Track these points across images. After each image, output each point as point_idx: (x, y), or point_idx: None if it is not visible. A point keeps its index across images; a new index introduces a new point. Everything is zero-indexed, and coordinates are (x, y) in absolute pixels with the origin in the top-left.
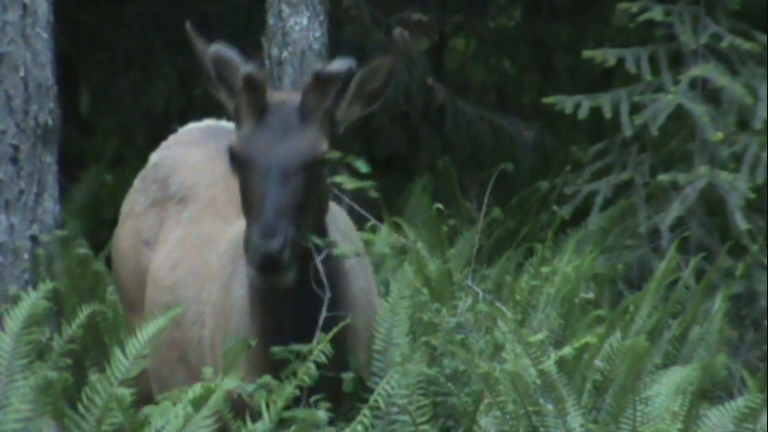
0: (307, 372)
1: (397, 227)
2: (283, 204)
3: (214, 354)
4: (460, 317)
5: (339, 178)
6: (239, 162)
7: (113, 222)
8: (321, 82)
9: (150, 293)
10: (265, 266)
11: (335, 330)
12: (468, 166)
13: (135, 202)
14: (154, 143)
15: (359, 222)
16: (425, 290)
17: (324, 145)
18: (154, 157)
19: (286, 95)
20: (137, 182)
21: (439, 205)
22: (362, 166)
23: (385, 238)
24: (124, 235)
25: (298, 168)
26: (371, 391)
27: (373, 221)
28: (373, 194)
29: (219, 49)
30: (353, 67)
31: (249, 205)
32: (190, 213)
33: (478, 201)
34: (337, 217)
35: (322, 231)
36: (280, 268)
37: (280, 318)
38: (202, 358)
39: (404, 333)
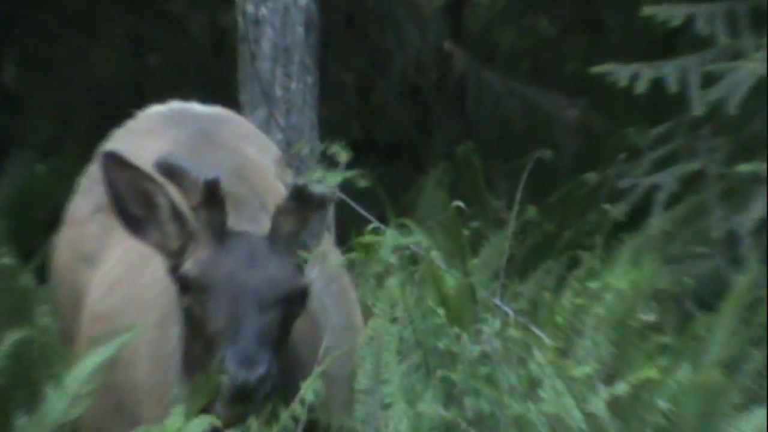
0: (293, 414)
1: (405, 230)
2: (264, 332)
3: (151, 405)
4: (485, 345)
5: (316, 174)
6: (196, 288)
7: (47, 224)
8: (301, 201)
9: (84, 322)
10: (241, 398)
11: (324, 364)
12: (495, 153)
13: (77, 206)
14: (98, 125)
15: (358, 224)
16: (441, 311)
17: (301, 277)
18: (102, 149)
19: (245, 224)
20: (83, 181)
21: (459, 203)
22: (340, 154)
23: (389, 244)
24: (62, 247)
25: (277, 301)
26: None
27: (374, 223)
28: (363, 184)
29: (167, 157)
30: (337, 195)
31: (215, 332)
32: None
33: (507, 197)
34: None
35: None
36: (258, 400)
37: None
38: (138, 409)
39: (393, 365)
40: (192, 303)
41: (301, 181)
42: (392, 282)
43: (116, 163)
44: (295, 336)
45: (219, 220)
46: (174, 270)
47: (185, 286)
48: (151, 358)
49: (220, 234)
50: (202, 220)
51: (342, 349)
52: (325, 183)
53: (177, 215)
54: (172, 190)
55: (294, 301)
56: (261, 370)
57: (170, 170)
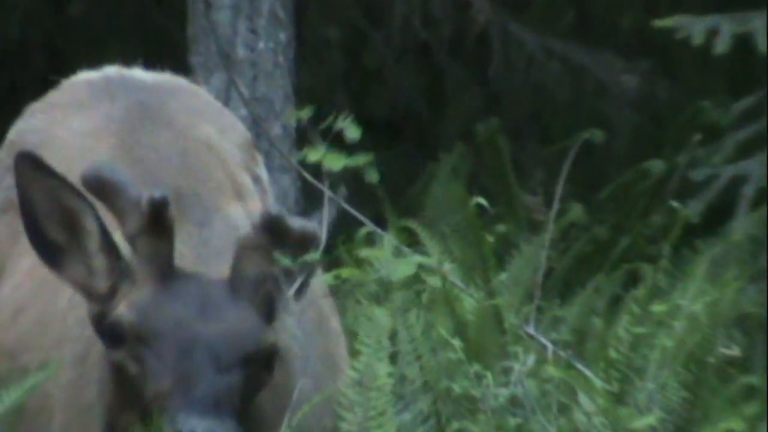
0: None
1: (409, 236)
2: (223, 396)
3: None
4: (515, 388)
5: (314, 154)
6: (132, 339)
7: None
8: (274, 236)
9: None
10: None
11: (297, 417)
12: (528, 133)
13: None
14: (6, 95)
15: (347, 227)
16: (457, 343)
17: (270, 333)
18: (12, 129)
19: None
20: None
21: (481, 200)
22: (351, 131)
23: (388, 254)
24: None
25: (237, 361)
26: None
27: (369, 226)
28: (373, 177)
29: (98, 168)
30: (318, 234)
31: (157, 394)
32: None
33: (545, 193)
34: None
35: None
36: None
37: None
38: None
39: (389, 416)
40: (125, 359)
41: (275, 210)
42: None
43: (34, 168)
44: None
45: (164, 253)
46: (100, 318)
47: (117, 336)
48: (68, 407)
49: (165, 271)
50: (141, 252)
51: (318, 396)
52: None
53: (108, 245)
54: (105, 212)
55: (258, 363)
56: (226, 426)
57: (102, 185)
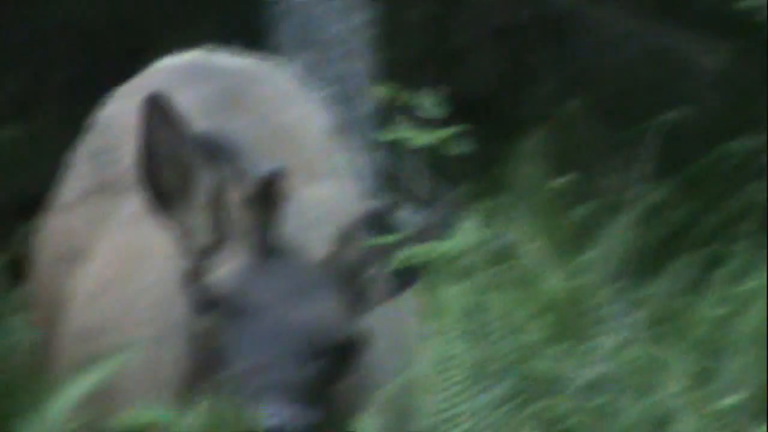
0: None
1: (491, 216)
2: (305, 381)
3: None
4: (599, 368)
5: (397, 132)
6: (224, 310)
7: (18, 208)
8: (377, 230)
9: (61, 338)
10: None
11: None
12: (611, 113)
13: (64, 188)
14: (81, 79)
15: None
16: (540, 323)
17: (358, 325)
18: (99, 113)
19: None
20: (71, 157)
21: (564, 180)
22: (434, 108)
23: (470, 235)
24: (44, 240)
25: (321, 350)
26: None
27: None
28: (462, 148)
29: (217, 132)
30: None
31: (236, 376)
32: (132, 208)
33: (628, 172)
34: None
35: None
36: None
37: None
38: None
39: (459, 398)
40: (210, 329)
41: (380, 203)
42: (456, 288)
43: (161, 111)
44: None
45: (268, 228)
46: (194, 275)
47: (207, 303)
48: (141, 389)
49: (266, 245)
50: (245, 222)
51: (399, 379)
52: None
53: (216, 205)
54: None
55: (343, 353)
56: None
57: (217, 148)
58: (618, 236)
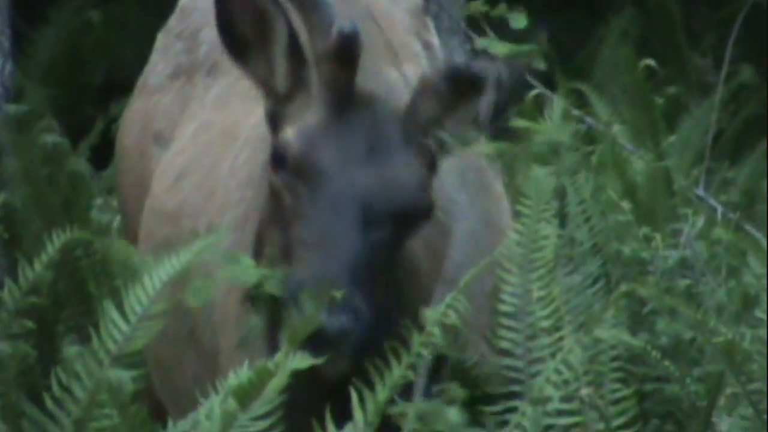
0: (427, 341)
1: (578, 99)
2: (363, 261)
3: (230, 333)
4: (685, 250)
5: (483, 41)
6: (294, 169)
7: (103, 90)
8: (457, 84)
9: (145, 220)
10: (316, 348)
11: (465, 280)
12: None
13: (152, 70)
14: None
15: (514, 90)
16: (626, 205)
17: (431, 190)
18: None
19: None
20: (160, 37)
21: (651, 62)
22: (517, 21)
23: (557, 117)
24: (130, 122)
25: (396, 214)
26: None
27: (538, 89)
28: (540, 65)
29: None
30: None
31: (298, 240)
32: (218, 90)
33: (715, 54)
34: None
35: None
36: (337, 355)
37: None
38: (214, 337)
39: (548, 279)
40: (283, 186)
41: (459, 61)
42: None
43: None
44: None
45: (344, 84)
46: (273, 119)
47: (281, 159)
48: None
49: (341, 101)
50: (323, 76)
51: (485, 261)
52: (491, 58)
53: (294, 52)
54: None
55: (412, 220)
56: (345, 321)
57: None
58: (705, 118)
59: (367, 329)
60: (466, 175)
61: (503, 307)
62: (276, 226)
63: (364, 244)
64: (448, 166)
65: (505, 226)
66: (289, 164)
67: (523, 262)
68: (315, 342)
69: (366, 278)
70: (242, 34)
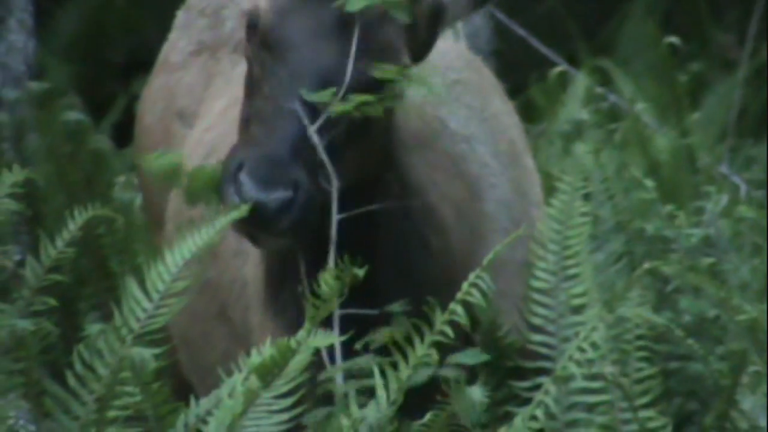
0: (451, 319)
1: (602, 75)
2: (303, 135)
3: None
4: (708, 228)
5: None
6: (264, 37)
7: (126, 67)
8: None
9: (174, 198)
10: (254, 223)
11: (495, 252)
12: None
13: (172, 47)
14: None
15: (539, 67)
16: (650, 183)
17: (403, 54)
18: None
19: None
20: (180, 15)
21: (675, 39)
22: None
23: (581, 92)
24: (152, 99)
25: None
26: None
27: (562, 66)
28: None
29: None
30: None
31: (255, 114)
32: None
33: (739, 31)
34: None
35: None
36: (280, 231)
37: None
38: (246, 314)
39: (585, 255)
40: (252, 57)
41: None
42: (583, 146)
43: None
44: (439, 200)
45: None
46: None
47: (253, 28)
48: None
49: None
50: None
51: (519, 230)
52: None
53: None
54: None
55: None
56: (280, 193)
57: None
58: (728, 95)
59: (310, 202)
60: (498, 145)
61: (536, 284)
62: (245, 101)
63: (316, 117)
64: (480, 132)
65: (536, 199)
66: (260, 33)
67: (558, 239)
68: (253, 217)
69: (313, 152)
70: None
